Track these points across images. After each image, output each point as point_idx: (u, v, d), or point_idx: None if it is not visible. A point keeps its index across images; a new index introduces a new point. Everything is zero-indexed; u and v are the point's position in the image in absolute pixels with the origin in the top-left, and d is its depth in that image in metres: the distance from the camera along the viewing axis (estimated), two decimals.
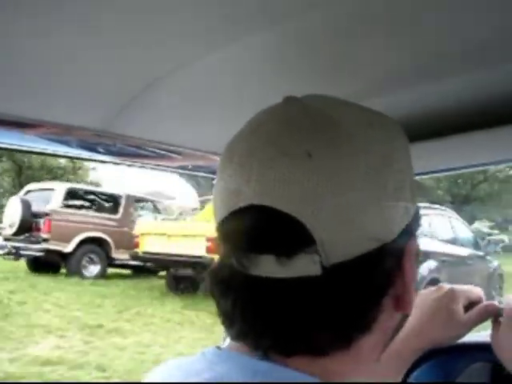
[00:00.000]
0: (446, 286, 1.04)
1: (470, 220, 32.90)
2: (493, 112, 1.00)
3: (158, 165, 1.29)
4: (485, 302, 1.00)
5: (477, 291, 1.03)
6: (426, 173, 1.33)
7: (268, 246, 0.55)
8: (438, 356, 1.55)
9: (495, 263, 12.16)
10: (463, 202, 29.83)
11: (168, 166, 1.31)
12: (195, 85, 0.93)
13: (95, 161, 1.23)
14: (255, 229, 0.56)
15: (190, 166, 1.35)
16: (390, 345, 0.97)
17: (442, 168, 1.34)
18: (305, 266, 0.54)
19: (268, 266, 0.54)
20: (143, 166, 1.30)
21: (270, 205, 0.54)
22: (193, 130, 1.17)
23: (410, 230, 0.62)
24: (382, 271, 0.58)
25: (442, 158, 1.27)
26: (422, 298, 1.04)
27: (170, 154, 1.24)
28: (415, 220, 0.64)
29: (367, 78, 0.91)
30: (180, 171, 1.35)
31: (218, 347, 0.64)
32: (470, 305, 1.01)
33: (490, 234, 34.94)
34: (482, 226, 36.92)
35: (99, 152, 1.16)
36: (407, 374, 1.51)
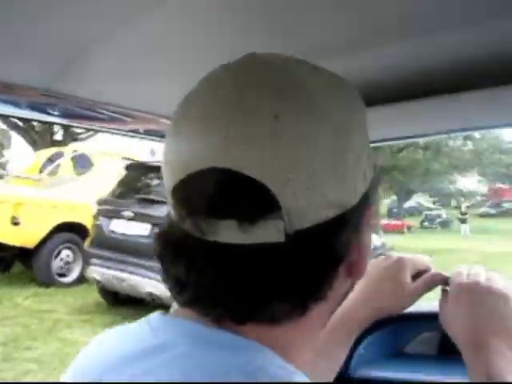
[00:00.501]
0: (395, 256, 1.06)
1: (407, 193, 33.34)
2: (452, 77, 1.00)
3: (110, 128, 1.27)
4: (432, 271, 1.03)
5: (424, 260, 1.05)
6: (381, 140, 1.33)
7: (230, 211, 0.53)
8: (388, 325, 1.60)
9: (377, 243, 11.93)
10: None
11: (119, 129, 1.29)
12: (143, 42, 0.91)
13: (44, 122, 1.20)
14: (217, 193, 0.54)
15: (141, 130, 1.33)
16: (338, 314, 0.99)
17: (397, 136, 1.33)
18: (268, 232, 0.53)
19: (228, 232, 0.53)
20: (94, 129, 1.28)
21: (233, 168, 0.53)
22: (143, 91, 1.15)
23: (368, 197, 0.62)
24: (343, 238, 0.58)
25: (398, 125, 1.25)
26: (370, 268, 1.06)
27: (120, 116, 1.22)
28: (372, 187, 0.64)
29: (321, 39, 0.90)
30: (131, 135, 1.33)
31: (163, 313, 0.64)
32: (418, 274, 1.03)
33: (429, 209, 35.77)
34: (424, 200, 37.77)
35: (47, 113, 1.13)
36: (357, 344, 1.56)
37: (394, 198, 33.36)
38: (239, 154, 0.53)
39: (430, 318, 1.67)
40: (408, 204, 35.98)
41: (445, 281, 1.00)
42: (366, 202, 0.62)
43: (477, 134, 27.11)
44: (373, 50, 0.92)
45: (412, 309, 1.58)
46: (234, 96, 0.56)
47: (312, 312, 0.59)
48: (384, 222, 27.63)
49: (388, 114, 1.12)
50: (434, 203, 37.85)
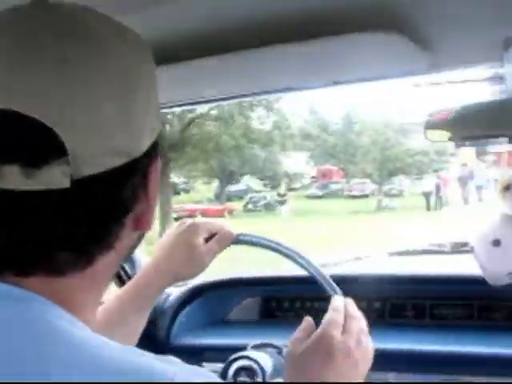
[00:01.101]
0: (188, 221, 1.11)
1: (230, 176, 33.22)
2: (254, 33, 0.97)
3: None
4: (222, 231, 1.09)
5: (218, 223, 1.11)
6: (171, 106, 1.29)
7: (13, 155, 0.53)
8: (210, 292, 1.66)
9: None
10: (171, 147, 21.85)
11: None
12: None
13: None
14: None
15: None
16: (134, 282, 1.04)
17: (188, 100, 1.27)
18: (53, 177, 0.53)
19: (12, 178, 0.53)
20: None
21: (16, 110, 0.52)
22: None
23: (155, 150, 0.65)
24: (130, 187, 0.60)
25: (193, 85, 1.20)
26: (165, 235, 1.12)
27: None
28: (158, 142, 0.66)
29: None
30: None
31: None
32: (212, 237, 1.08)
33: (259, 192, 36.23)
34: (253, 183, 38.30)
35: None
36: (177, 312, 1.60)
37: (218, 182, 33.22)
38: (24, 96, 0.53)
39: (252, 284, 1.75)
40: (236, 187, 36.15)
41: (235, 238, 1.08)
42: (154, 152, 0.65)
43: (277, 105, 25.53)
44: (167, 5, 0.90)
45: (233, 275, 1.67)
46: (22, 38, 0.56)
47: (98, 263, 0.60)
48: (203, 207, 27.70)
49: (183, 73, 1.10)
50: (264, 186, 38.43)
